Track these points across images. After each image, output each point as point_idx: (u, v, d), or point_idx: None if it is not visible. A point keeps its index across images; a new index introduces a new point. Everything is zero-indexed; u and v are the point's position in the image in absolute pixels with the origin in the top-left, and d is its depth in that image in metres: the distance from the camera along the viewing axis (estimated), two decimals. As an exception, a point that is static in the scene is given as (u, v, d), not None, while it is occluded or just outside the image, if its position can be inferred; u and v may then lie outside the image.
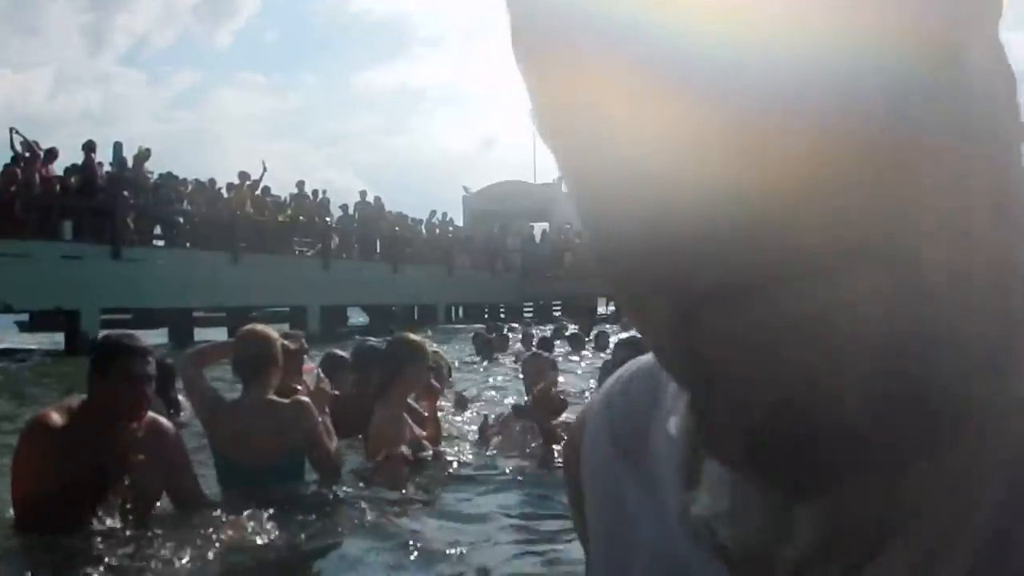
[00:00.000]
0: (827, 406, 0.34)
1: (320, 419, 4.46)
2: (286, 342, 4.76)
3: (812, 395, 0.34)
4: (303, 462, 4.54)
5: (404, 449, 4.84)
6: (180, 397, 6.17)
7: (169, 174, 20.83)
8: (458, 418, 7.00)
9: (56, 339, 18.04)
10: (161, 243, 20.55)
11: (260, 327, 4.72)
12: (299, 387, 4.66)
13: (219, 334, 17.80)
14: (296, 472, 4.51)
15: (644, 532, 0.52)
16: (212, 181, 22.63)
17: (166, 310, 19.99)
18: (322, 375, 5.03)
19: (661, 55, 0.33)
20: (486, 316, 28.95)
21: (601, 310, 26.31)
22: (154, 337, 18.95)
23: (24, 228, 16.51)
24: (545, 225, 37.70)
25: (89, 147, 18.60)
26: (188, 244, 20.73)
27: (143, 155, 19.82)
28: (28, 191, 17.17)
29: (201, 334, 21.27)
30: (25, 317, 20.36)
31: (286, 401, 4.41)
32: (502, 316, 29.40)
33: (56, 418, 3.61)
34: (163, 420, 3.99)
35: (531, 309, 33.13)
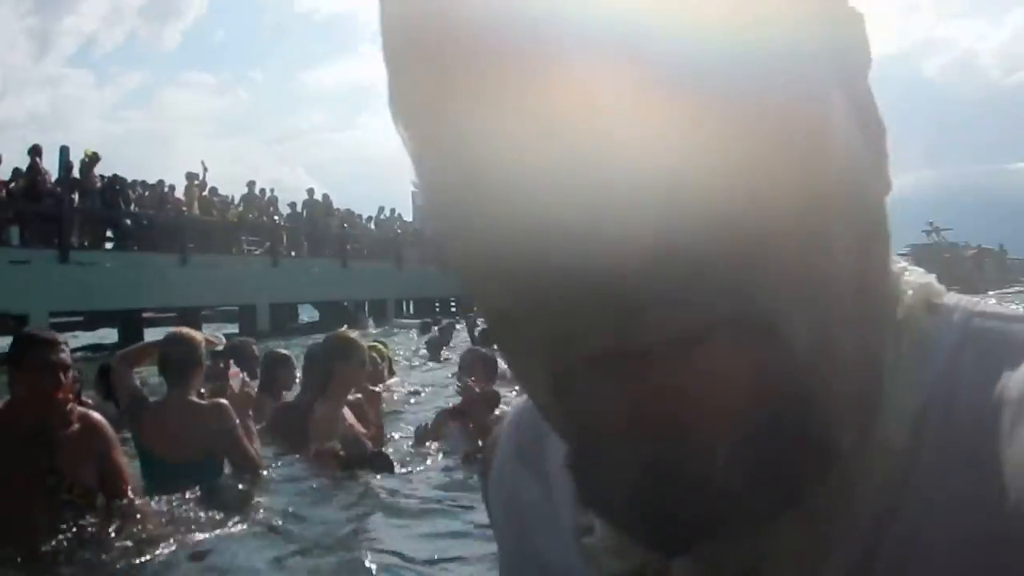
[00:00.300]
0: (698, 469, 0.36)
1: (239, 421, 4.65)
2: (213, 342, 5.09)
3: (685, 459, 0.36)
4: (223, 461, 4.73)
5: (335, 445, 5.09)
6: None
7: (115, 176, 20.84)
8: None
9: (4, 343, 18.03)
10: (109, 246, 20.64)
11: (185, 330, 4.92)
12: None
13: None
14: (215, 470, 4.69)
15: (544, 541, 0.54)
16: (161, 183, 22.71)
17: (116, 311, 20.11)
18: (246, 379, 5.26)
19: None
20: (436, 310, 29.12)
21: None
22: (106, 337, 19.15)
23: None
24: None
25: (35, 151, 18.61)
26: (136, 247, 20.83)
27: (91, 158, 19.88)
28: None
29: (151, 334, 21.40)
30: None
31: (205, 403, 4.66)
32: (452, 310, 29.31)
33: None
34: (95, 414, 4.06)
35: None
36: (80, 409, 4.04)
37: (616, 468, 0.38)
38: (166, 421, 4.49)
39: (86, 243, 19.34)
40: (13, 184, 18.21)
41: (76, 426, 3.83)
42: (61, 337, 3.80)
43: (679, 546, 0.40)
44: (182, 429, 4.45)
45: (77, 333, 18.66)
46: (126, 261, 19.74)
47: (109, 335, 19.19)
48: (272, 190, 27.36)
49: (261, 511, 4.48)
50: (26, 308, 16.84)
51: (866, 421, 0.41)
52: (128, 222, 21.16)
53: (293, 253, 26.37)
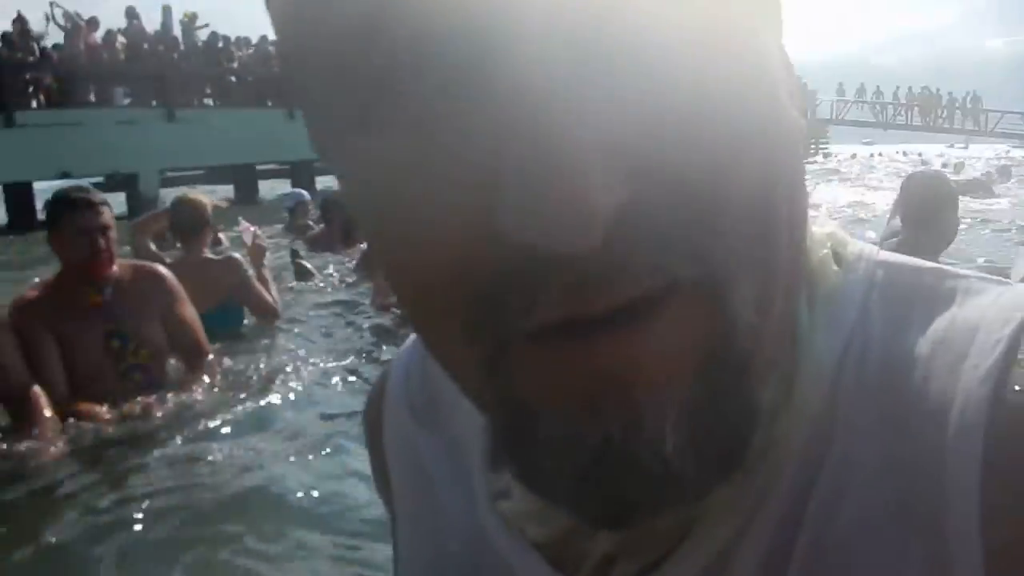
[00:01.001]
0: (650, 449, 0.35)
1: (252, 272, 5.08)
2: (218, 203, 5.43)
3: (636, 439, 0.35)
4: (240, 310, 5.16)
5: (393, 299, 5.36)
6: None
7: (215, 34, 20.92)
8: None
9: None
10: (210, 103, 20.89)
11: (192, 195, 5.29)
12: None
13: (284, 185, 18.20)
14: (234, 318, 5.10)
15: (452, 511, 0.53)
16: (264, 39, 22.66)
17: (229, 167, 20.52)
18: (258, 232, 5.56)
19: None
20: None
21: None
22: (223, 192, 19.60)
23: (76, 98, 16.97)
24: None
25: (131, 14, 18.80)
26: (242, 104, 21.02)
27: (191, 19, 19.97)
28: (75, 61, 17.57)
29: (265, 187, 21.80)
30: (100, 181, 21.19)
31: (218, 258, 5.08)
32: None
33: (31, 295, 3.60)
34: (154, 266, 3.95)
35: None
36: (137, 263, 3.93)
37: (562, 450, 0.36)
38: (182, 278, 4.54)
39: (193, 101, 19.49)
40: (117, 45, 18.47)
41: (133, 283, 3.69)
42: (98, 196, 3.58)
43: (625, 523, 0.38)
44: (198, 284, 4.54)
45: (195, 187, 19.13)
46: (233, 118, 19.91)
47: (225, 190, 19.53)
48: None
49: (275, 358, 4.64)
50: (135, 167, 17.31)
51: (787, 381, 0.42)
52: (233, 79, 21.25)
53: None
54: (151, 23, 19.55)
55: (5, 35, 16.77)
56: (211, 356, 4.07)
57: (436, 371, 0.48)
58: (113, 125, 17.21)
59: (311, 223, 9.10)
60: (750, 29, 0.36)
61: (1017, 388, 0.38)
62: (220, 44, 20.79)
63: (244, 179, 21.42)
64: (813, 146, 36.01)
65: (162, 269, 3.94)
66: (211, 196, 6.01)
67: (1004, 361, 0.39)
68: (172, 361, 3.97)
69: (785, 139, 0.38)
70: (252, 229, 5.55)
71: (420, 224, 0.34)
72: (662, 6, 0.32)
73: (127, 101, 18.23)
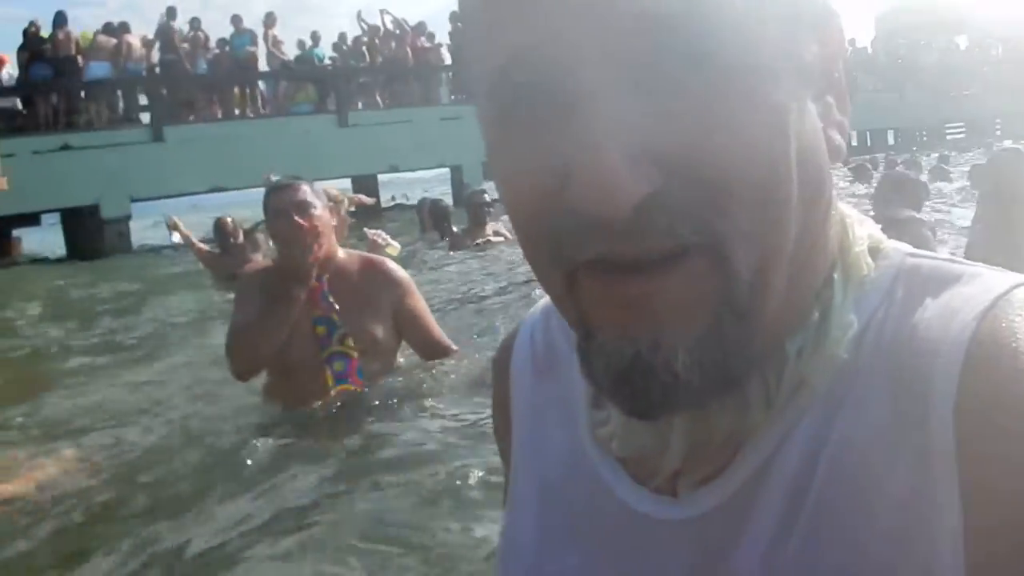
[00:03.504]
0: (667, 363, 0.51)
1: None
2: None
3: (657, 355, 0.51)
4: None
5: None
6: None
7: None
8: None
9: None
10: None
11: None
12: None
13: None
14: None
15: (559, 439, 0.69)
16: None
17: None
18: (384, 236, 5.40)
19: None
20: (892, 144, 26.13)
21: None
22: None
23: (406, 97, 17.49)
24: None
25: (454, 18, 19.17)
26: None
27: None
28: (404, 64, 18.22)
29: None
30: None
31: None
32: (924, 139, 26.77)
33: (253, 270, 3.68)
34: (385, 260, 3.72)
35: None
36: (367, 255, 3.79)
37: (607, 357, 0.53)
38: None
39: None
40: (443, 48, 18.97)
41: (359, 273, 3.49)
42: (303, 182, 3.42)
43: (650, 415, 0.54)
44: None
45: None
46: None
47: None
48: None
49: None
50: (459, 160, 17.53)
51: (819, 338, 0.57)
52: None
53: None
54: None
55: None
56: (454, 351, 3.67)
57: (554, 334, 0.73)
58: (437, 121, 17.55)
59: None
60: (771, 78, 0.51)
61: (989, 328, 0.52)
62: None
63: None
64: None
65: (390, 263, 3.69)
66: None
67: (984, 312, 0.53)
68: (402, 360, 3.66)
69: (795, 151, 0.51)
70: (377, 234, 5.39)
71: (518, 189, 0.53)
72: (692, 56, 0.48)
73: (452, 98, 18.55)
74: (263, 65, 17.26)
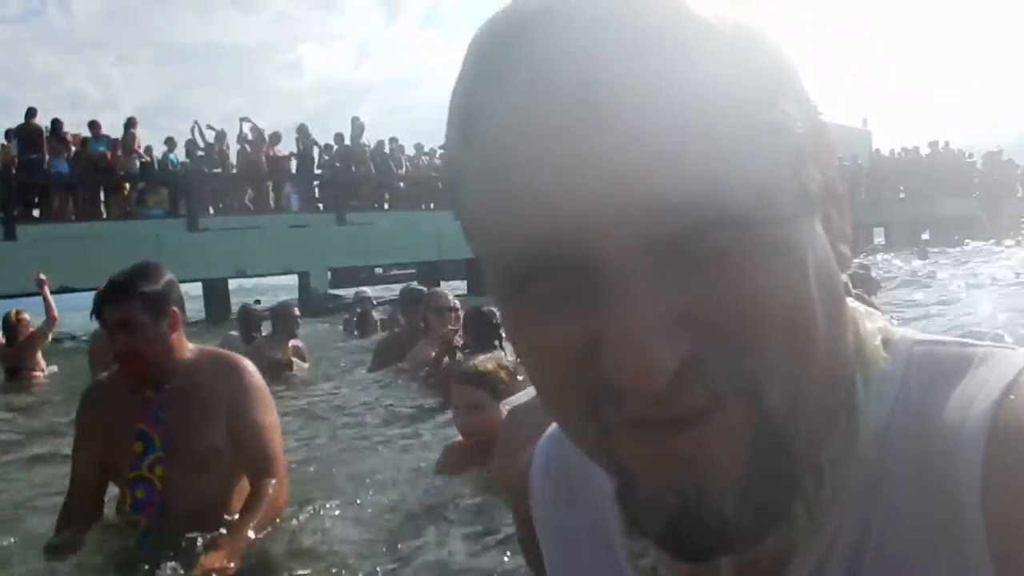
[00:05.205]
0: (714, 510, 0.51)
1: None
2: None
3: (703, 504, 0.51)
4: None
5: None
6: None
7: (381, 142, 22.30)
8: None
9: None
10: (384, 207, 22.18)
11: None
12: None
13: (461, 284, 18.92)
14: None
15: (593, 564, 0.69)
16: (419, 146, 23.89)
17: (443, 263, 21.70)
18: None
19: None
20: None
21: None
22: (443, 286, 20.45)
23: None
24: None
25: (302, 130, 20.55)
26: (410, 206, 22.24)
27: (359, 127, 21.43)
28: (257, 171, 19.40)
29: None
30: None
31: None
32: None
33: (99, 383, 3.41)
34: (239, 366, 3.22)
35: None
36: (221, 354, 3.38)
37: (653, 508, 0.53)
38: None
39: (358, 205, 20.90)
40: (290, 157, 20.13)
41: (204, 375, 3.15)
42: (141, 286, 3.06)
43: (702, 559, 0.54)
44: None
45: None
46: (397, 219, 21.13)
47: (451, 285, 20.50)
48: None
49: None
50: (306, 267, 18.59)
51: (849, 443, 0.58)
52: (400, 185, 22.58)
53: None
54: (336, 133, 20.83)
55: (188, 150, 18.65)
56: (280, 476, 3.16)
57: (568, 461, 0.72)
58: (286, 228, 18.69)
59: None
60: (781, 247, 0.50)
61: (1008, 414, 0.52)
62: (387, 151, 22.08)
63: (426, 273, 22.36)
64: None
65: (245, 368, 3.20)
66: None
67: (1000, 397, 0.53)
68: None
69: (816, 280, 0.52)
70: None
71: (545, 361, 0.53)
72: (713, 225, 0.48)
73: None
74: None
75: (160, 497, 3.06)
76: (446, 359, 6.40)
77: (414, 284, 9.14)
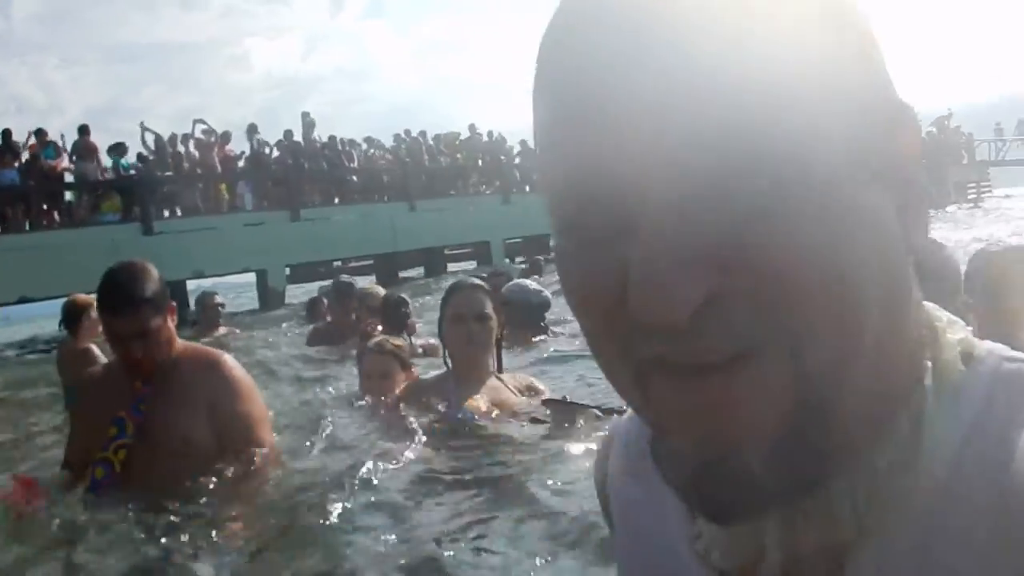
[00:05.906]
0: (740, 467, 0.50)
1: None
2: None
3: (730, 459, 0.50)
4: None
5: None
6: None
7: (332, 138, 22.41)
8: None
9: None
10: (336, 201, 22.15)
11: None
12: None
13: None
14: None
15: (655, 538, 0.69)
16: (370, 139, 24.01)
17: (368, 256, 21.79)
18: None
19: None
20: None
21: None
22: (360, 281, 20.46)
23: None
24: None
25: (252, 129, 20.68)
26: (362, 200, 22.24)
27: (310, 123, 21.49)
28: (211, 172, 19.47)
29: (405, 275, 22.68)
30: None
31: None
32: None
33: (94, 374, 3.61)
34: (220, 361, 3.35)
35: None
36: (204, 351, 3.47)
37: (680, 460, 0.53)
38: None
39: (313, 201, 20.93)
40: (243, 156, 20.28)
41: (186, 369, 3.26)
42: (142, 289, 3.13)
43: (726, 521, 0.54)
44: None
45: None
46: (353, 213, 21.15)
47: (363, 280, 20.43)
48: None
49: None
50: (263, 265, 18.70)
51: (910, 449, 0.55)
52: (354, 179, 22.66)
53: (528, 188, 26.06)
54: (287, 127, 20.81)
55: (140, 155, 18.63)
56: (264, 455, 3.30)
57: (646, 442, 0.68)
58: (241, 227, 18.72)
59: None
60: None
61: None
62: (340, 147, 22.17)
63: (385, 268, 22.35)
64: (974, 190, 34.50)
65: (227, 362, 3.36)
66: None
67: None
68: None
69: (870, 256, 0.49)
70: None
71: (583, 296, 0.53)
72: (756, 163, 0.46)
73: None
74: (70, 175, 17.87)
75: (117, 480, 3.18)
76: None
77: (344, 277, 9.45)
